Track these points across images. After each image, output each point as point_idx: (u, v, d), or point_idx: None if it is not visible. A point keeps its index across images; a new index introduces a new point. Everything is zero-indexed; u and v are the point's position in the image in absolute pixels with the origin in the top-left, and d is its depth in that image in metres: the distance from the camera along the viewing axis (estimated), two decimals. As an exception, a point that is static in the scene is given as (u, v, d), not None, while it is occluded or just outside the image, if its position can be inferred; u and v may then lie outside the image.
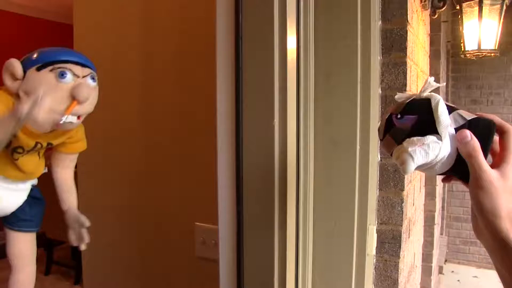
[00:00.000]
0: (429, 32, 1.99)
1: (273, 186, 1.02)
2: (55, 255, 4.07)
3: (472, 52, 2.36)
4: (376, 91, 1.23)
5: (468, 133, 0.64)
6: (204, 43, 1.35)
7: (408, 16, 1.25)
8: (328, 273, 1.21)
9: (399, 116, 0.69)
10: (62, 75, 0.83)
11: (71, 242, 1.07)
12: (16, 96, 0.85)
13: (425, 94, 0.69)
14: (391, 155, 0.70)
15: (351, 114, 1.18)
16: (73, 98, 0.84)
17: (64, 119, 0.85)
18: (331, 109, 1.18)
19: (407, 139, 0.66)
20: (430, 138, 0.64)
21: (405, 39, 1.23)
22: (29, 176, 1.00)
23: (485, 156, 0.63)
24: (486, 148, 0.64)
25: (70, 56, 0.86)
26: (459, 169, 0.66)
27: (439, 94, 0.68)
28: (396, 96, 0.73)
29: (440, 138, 0.64)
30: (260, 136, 1.00)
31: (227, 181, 1.06)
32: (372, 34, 1.17)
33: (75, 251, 4.06)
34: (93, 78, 0.89)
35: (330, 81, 1.17)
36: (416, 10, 1.50)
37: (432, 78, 0.70)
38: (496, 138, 0.67)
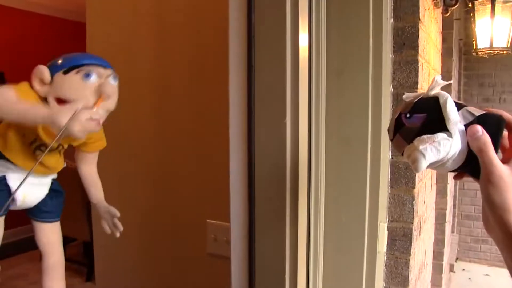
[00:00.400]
0: (441, 30, 1.98)
1: (285, 184, 1.02)
2: (67, 252, 4.04)
3: (484, 50, 2.34)
4: (387, 89, 1.23)
5: (479, 128, 0.64)
6: (217, 41, 1.36)
7: (420, 14, 1.25)
8: (339, 270, 1.22)
9: (408, 115, 0.69)
10: (87, 75, 0.90)
11: (106, 231, 1.14)
12: (44, 99, 0.91)
13: (433, 92, 0.69)
14: (402, 154, 0.70)
15: (362, 112, 1.18)
16: (99, 95, 0.91)
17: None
18: (342, 107, 1.18)
19: (418, 137, 0.66)
20: (441, 136, 0.64)
21: (417, 37, 1.23)
22: (51, 171, 1.06)
23: (496, 151, 0.64)
24: (496, 143, 0.64)
25: (92, 60, 0.94)
26: (470, 165, 0.66)
27: (451, 92, 0.68)
28: (404, 96, 0.73)
29: (450, 135, 0.64)
30: (272, 134, 1.01)
31: (239, 179, 1.06)
32: (384, 32, 1.17)
33: (87, 248, 4.10)
34: (114, 78, 0.96)
35: (342, 79, 1.18)
36: (428, 8, 1.50)
37: (439, 76, 0.70)
38: (505, 133, 0.67)
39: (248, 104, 1.02)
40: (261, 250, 1.06)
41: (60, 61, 0.93)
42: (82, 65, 0.91)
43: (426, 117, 0.67)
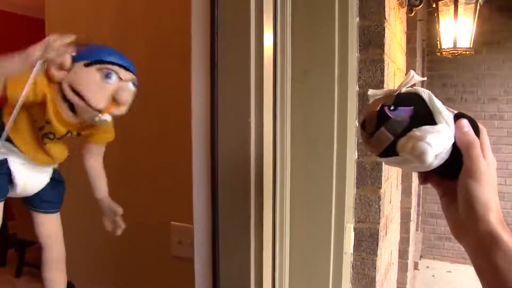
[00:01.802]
0: (405, 30, 2.00)
1: (249, 185, 1.00)
2: (27, 255, 3.97)
3: (448, 50, 2.38)
4: (353, 89, 1.22)
5: (466, 122, 0.63)
6: (179, 39, 1.33)
7: (386, 13, 1.25)
8: (305, 272, 1.21)
9: (392, 107, 0.66)
10: (107, 76, 0.88)
11: (107, 228, 1.14)
12: (58, 85, 0.88)
13: (406, 88, 0.67)
14: (385, 149, 0.67)
15: (328, 112, 1.16)
16: (113, 99, 0.89)
17: (100, 117, 0.90)
18: (308, 106, 1.17)
19: (418, 128, 0.63)
20: (442, 126, 0.63)
21: (383, 36, 1.23)
22: (55, 161, 1.05)
23: None
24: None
25: (117, 59, 0.91)
26: (452, 162, 0.64)
27: None
28: (369, 92, 0.71)
29: (447, 126, 0.63)
30: (236, 134, 0.99)
31: (202, 180, 1.04)
32: (350, 31, 1.17)
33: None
34: (134, 83, 0.95)
35: (308, 79, 1.16)
36: (394, 8, 1.50)
37: (414, 72, 0.68)
38: None
39: (211, 104, 0.99)
40: (225, 252, 1.04)
41: (84, 51, 0.89)
42: (106, 62, 0.88)
43: (414, 109, 0.65)
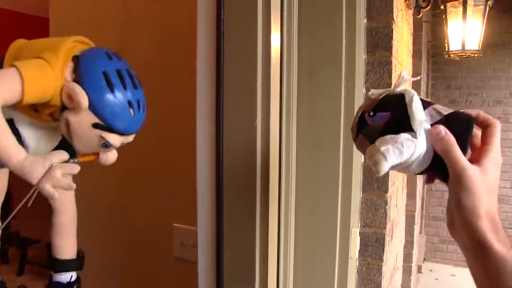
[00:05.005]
0: (412, 32, 1.98)
1: (255, 187, 0.99)
2: (29, 254, 3.97)
3: (456, 52, 2.35)
4: (360, 91, 1.21)
5: (442, 128, 0.61)
6: (185, 40, 1.32)
7: (394, 14, 1.24)
8: (310, 276, 1.19)
9: (371, 113, 0.65)
10: (105, 145, 0.84)
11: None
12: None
13: (399, 89, 0.66)
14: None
15: (335, 114, 1.15)
16: (97, 153, 0.86)
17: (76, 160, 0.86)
18: (314, 108, 1.16)
19: (380, 138, 0.63)
20: (404, 136, 0.61)
21: (391, 38, 1.21)
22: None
23: (464, 152, 0.61)
24: (464, 144, 0.61)
25: (124, 127, 0.84)
26: (437, 167, 0.63)
27: (419, 94, 0.65)
28: (369, 93, 0.70)
29: (415, 136, 0.61)
30: (241, 136, 0.98)
31: (207, 182, 1.03)
32: (357, 32, 1.15)
33: (50, 250, 3.98)
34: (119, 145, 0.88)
35: (314, 80, 1.15)
36: (401, 9, 1.49)
37: (406, 72, 0.67)
38: (478, 132, 0.65)
39: (217, 105, 0.98)
40: (230, 255, 1.03)
41: (102, 102, 0.80)
42: (109, 126, 0.81)
43: (390, 115, 0.64)
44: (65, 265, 1.07)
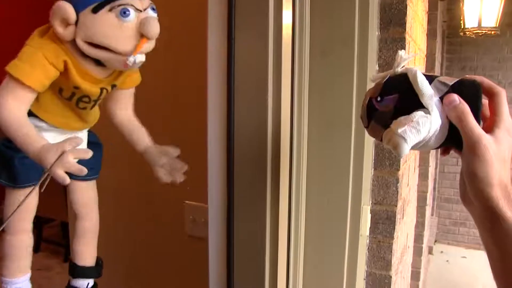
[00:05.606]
0: (427, 10, 1.95)
1: (266, 165, 0.99)
2: (45, 232, 4.05)
3: (472, 30, 2.29)
4: (373, 68, 1.20)
5: (455, 96, 0.61)
6: (196, 15, 1.31)
7: (408, -11, 1.22)
8: (320, 253, 1.20)
9: (379, 98, 0.65)
10: (124, 13, 0.74)
11: (163, 181, 1.04)
12: (72, 44, 0.78)
13: (399, 69, 0.65)
14: (381, 140, 0.66)
15: (347, 92, 1.14)
16: (141, 35, 0.77)
17: (133, 60, 0.79)
18: (326, 86, 1.15)
19: (394, 121, 0.62)
20: (418, 114, 0.61)
21: (405, 14, 1.19)
22: (89, 124, 0.97)
23: (477, 121, 0.60)
24: (476, 111, 0.61)
25: None
26: (454, 138, 0.63)
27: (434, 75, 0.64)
28: (371, 77, 0.69)
29: (427, 112, 0.61)
30: (252, 112, 0.97)
31: (217, 159, 1.03)
32: (371, 8, 1.14)
33: (65, 228, 4.04)
34: (153, 9, 0.81)
35: (326, 57, 1.14)
36: (415, -15, 1.46)
37: (403, 51, 0.66)
38: (484, 101, 0.64)
39: (228, 81, 0.97)
40: (239, 232, 1.03)
41: None
42: None
43: (399, 97, 0.63)
44: (84, 272, 1.08)
